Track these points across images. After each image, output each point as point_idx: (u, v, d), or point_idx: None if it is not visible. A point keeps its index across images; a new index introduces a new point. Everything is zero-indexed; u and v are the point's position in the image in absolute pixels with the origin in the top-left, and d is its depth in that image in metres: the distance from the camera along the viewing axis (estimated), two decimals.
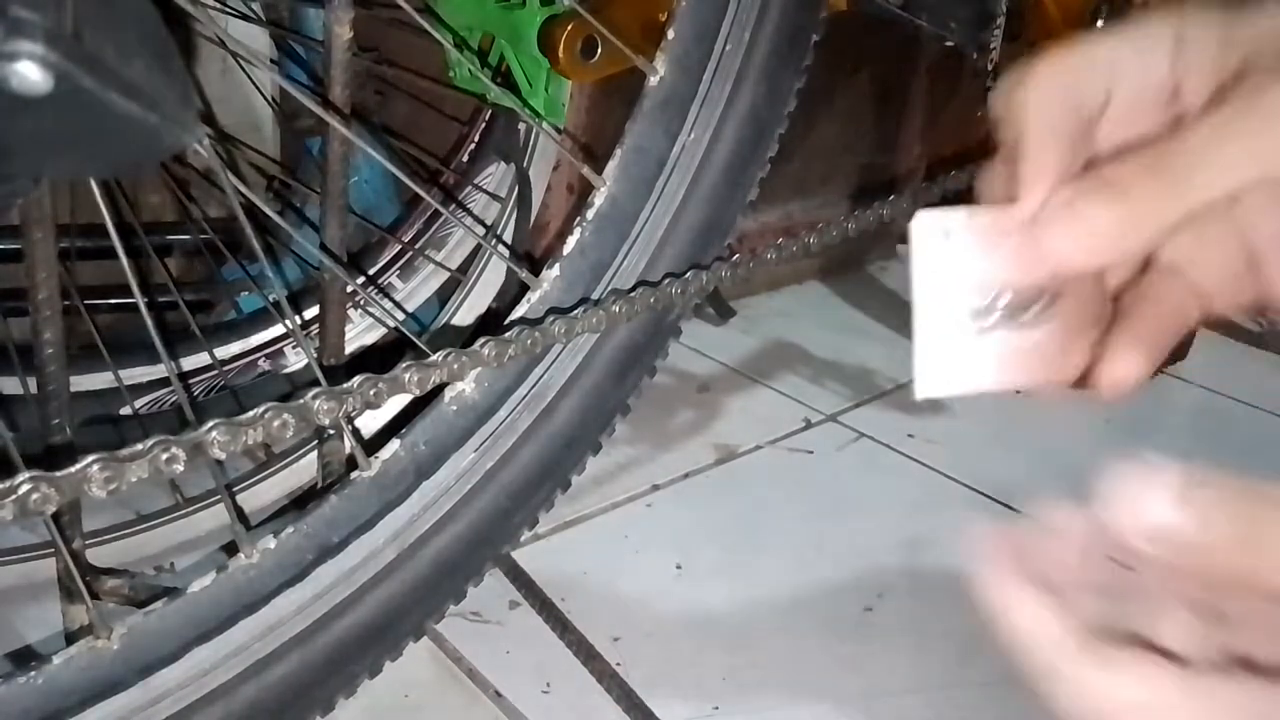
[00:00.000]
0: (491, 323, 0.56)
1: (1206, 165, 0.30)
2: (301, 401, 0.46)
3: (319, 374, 0.51)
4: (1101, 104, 0.34)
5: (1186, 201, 0.30)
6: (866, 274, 1.51)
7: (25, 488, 0.39)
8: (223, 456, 0.44)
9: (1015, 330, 0.30)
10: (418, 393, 0.50)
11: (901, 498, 0.96)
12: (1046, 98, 0.34)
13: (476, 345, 0.52)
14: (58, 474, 0.40)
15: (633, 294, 0.57)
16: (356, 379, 0.48)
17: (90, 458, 0.41)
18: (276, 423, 0.45)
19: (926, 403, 0.34)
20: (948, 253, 0.30)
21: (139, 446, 0.42)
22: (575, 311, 0.55)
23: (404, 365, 0.49)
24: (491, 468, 0.60)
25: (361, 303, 0.88)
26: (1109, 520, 0.25)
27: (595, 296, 0.61)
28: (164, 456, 0.42)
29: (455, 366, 0.51)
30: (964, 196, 0.39)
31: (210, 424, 0.43)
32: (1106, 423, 1.08)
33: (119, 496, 0.41)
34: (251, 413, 0.45)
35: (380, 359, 0.80)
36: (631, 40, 0.62)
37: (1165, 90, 0.33)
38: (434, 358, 0.50)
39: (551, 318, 0.54)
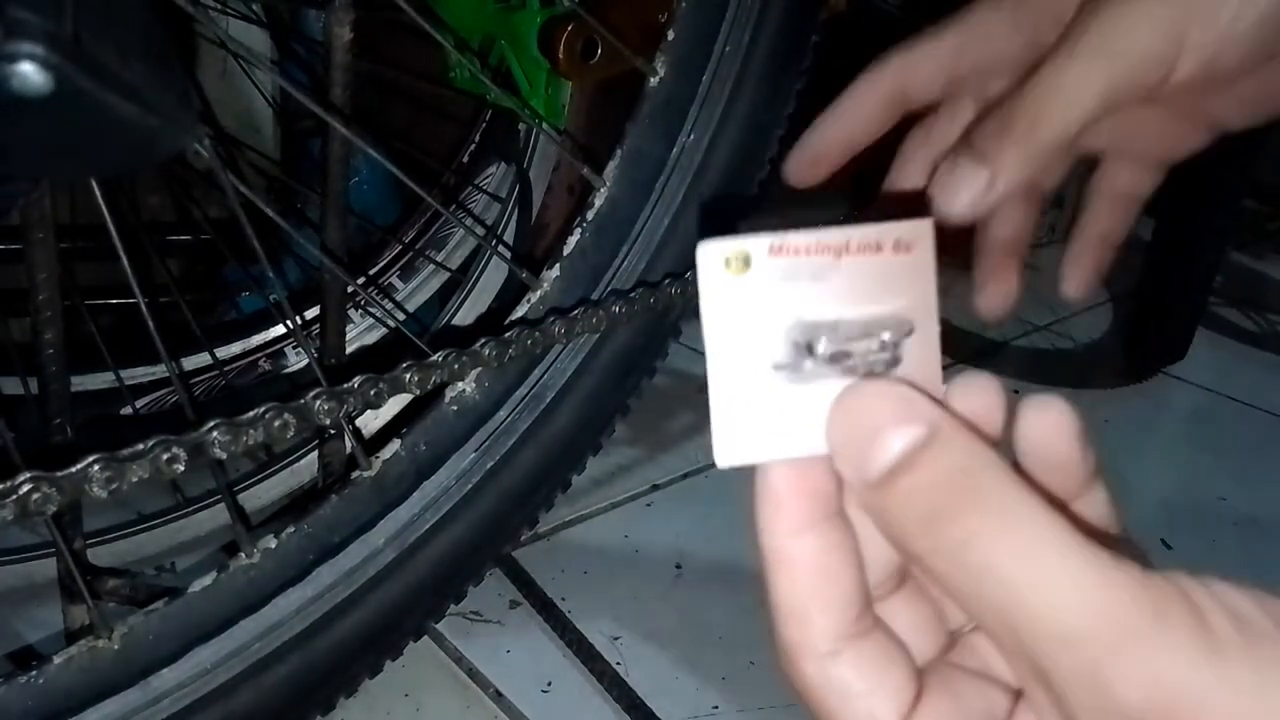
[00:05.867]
0: (492, 323, 0.56)
1: (1048, 113, 0.34)
2: (302, 402, 0.46)
3: (319, 374, 0.51)
4: (934, 91, 0.40)
5: (1040, 147, 0.34)
6: None
7: (26, 488, 0.39)
8: (223, 456, 0.44)
9: (843, 376, 0.25)
10: (418, 393, 0.50)
11: None
12: (867, 96, 0.41)
13: (476, 345, 0.52)
14: (58, 474, 0.40)
15: (632, 294, 0.57)
16: (357, 379, 0.48)
17: (91, 457, 0.41)
18: (277, 423, 0.45)
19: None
20: (747, 287, 0.24)
21: (140, 446, 0.42)
22: (575, 312, 0.55)
23: (404, 365, 0.49)
24: (492, 468, 0.60)
25: (362, 303, 0.88)
26: (837, 436, 0.24)
27: (595, 297, 0.61)
28: (165, 457, 0.42)
29: (455, 367, 0.51)
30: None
31: (211, 424, 0.43)
32: (1105, 422, 1.08)
33: (119, 496, 0.41)
34: (252, 413, 0.45)
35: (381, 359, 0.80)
36: (631, 42, 0.62)
37: (1018, 51, 0.38)
38: (434, 358, 0.50)
39: (551, 318, 0.54)
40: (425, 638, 0.69)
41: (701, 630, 0.77)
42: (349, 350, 0.72)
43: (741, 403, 0.25)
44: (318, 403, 0.47)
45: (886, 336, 0.25)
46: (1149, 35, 0.33)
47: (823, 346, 0.25)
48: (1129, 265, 1.48)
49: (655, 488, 0.94)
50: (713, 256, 0.24)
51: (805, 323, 0.24)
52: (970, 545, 0.22)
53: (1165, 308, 1.22)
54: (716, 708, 0.70)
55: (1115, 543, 0.23)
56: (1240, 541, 0.91)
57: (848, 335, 0.25)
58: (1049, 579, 0.21)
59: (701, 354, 0.24)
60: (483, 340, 0.52)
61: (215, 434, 0.44)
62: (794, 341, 0.25)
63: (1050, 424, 0.25)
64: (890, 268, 0.25)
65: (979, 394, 0.25)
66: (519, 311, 0.60)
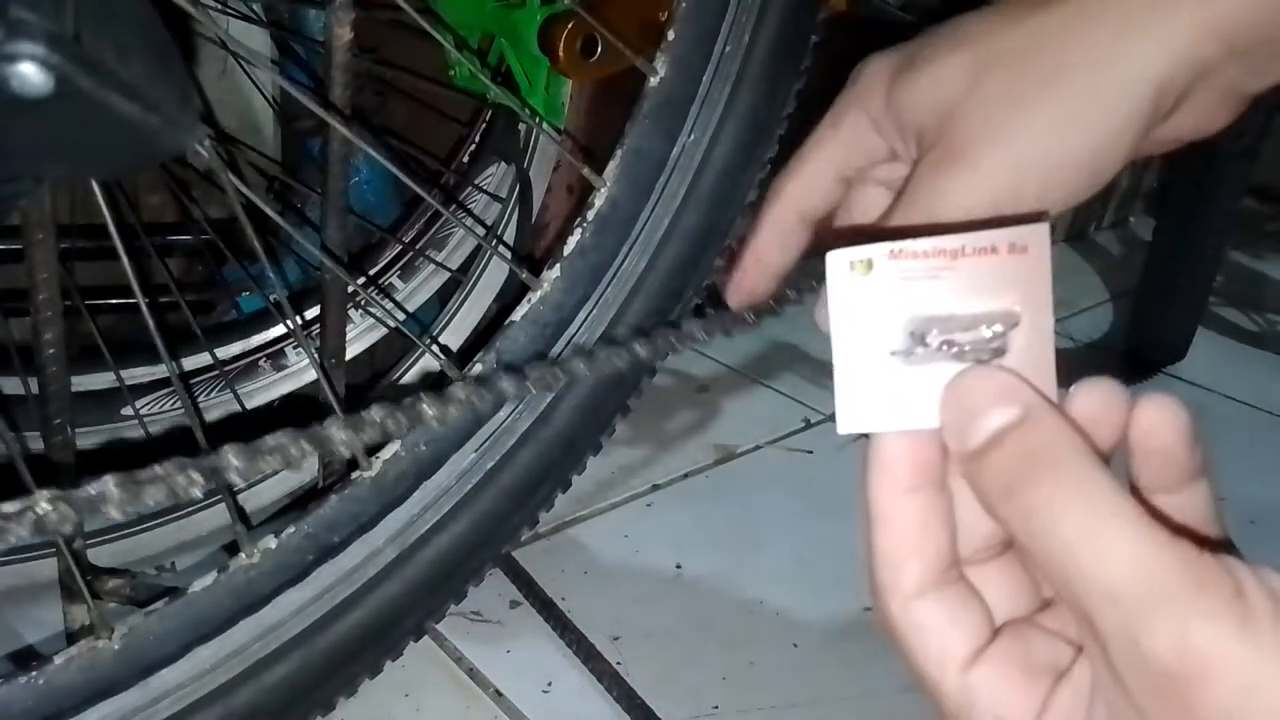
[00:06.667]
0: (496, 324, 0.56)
1: None
2: (320, 429, 0.46)
3: (335, 405, 0.51)
4: (835, 196, 0.43)
5: None
6: None
7: (44, 507, 0.40)
8: (241, 483, 0.44)
9: (953, 361, 0.28)
10: (438, 426, 0.49)
11: None
12: (780, 215, 0.45)
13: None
14: (76, 493, 0.40)
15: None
16: (376, 410, 0.47)
17: (109, 477, 0.41)
18: (294, 450, 0.45)
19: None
20: (869, 286, 0.28)
21: (157, 469, 0.42)
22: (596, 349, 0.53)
23: (424, 397, 0.49)
24: (492, 468, 0.61)
25: (362, 303, 0.88)
26: (947, 413, 0.28)
27: (595, 297, 0.61)
28: (181, 480, 0.42)
29: (476, 399, 0.50)
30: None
31: (228, 449, 0.44)
32: None
33: (133, 516, 0.42)
34: (270, 439, 0.45)
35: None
36: (631, 40, 0.62)
37: (888, 152, 0.41)
38: (457, 389, 0.49)
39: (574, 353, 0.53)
40: (425, 638, 0.69)
41: (702, 630, 0.77)
42: (350, 351, 0.72)
43: (860, 381, 0.28)
44: (334, 431, 0.46)
45: (995, 329, 0.28)
46: (967, 215, 0.37)
47: (933, 337, 0.28)
48: (1129, 265, 1.48)
49: (655, 488, 0.94)
50: (839, 261, 0.28)
51: (919, 317, 0.28)
52: (1036, 512, 0.25)
53: (1165, 307, 1.22)
54: (716, 707, 0.70)
55: (1199, 537, 0.26)
56: (1241, 541, 0.91)
57: (958, 327, 0.28)
58: (1102, 544, 0.24)
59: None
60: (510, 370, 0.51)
61: (232, 458, 0.44)
62: (909, 332, 0.28)
63: (1160, 419, 0.28)
64: (1005, 267, 0.28)
65: (1101, 396, 0.28)
66: (520, 311, 0.60)
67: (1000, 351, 0.28)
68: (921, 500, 0.29)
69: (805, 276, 0.51)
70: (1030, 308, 0.28)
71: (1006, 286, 0.28)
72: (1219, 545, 0.25)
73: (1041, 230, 0.27)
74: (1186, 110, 0.37)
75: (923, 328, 0.28)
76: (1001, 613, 0.30)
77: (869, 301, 0.28)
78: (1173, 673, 0.22)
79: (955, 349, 0.28)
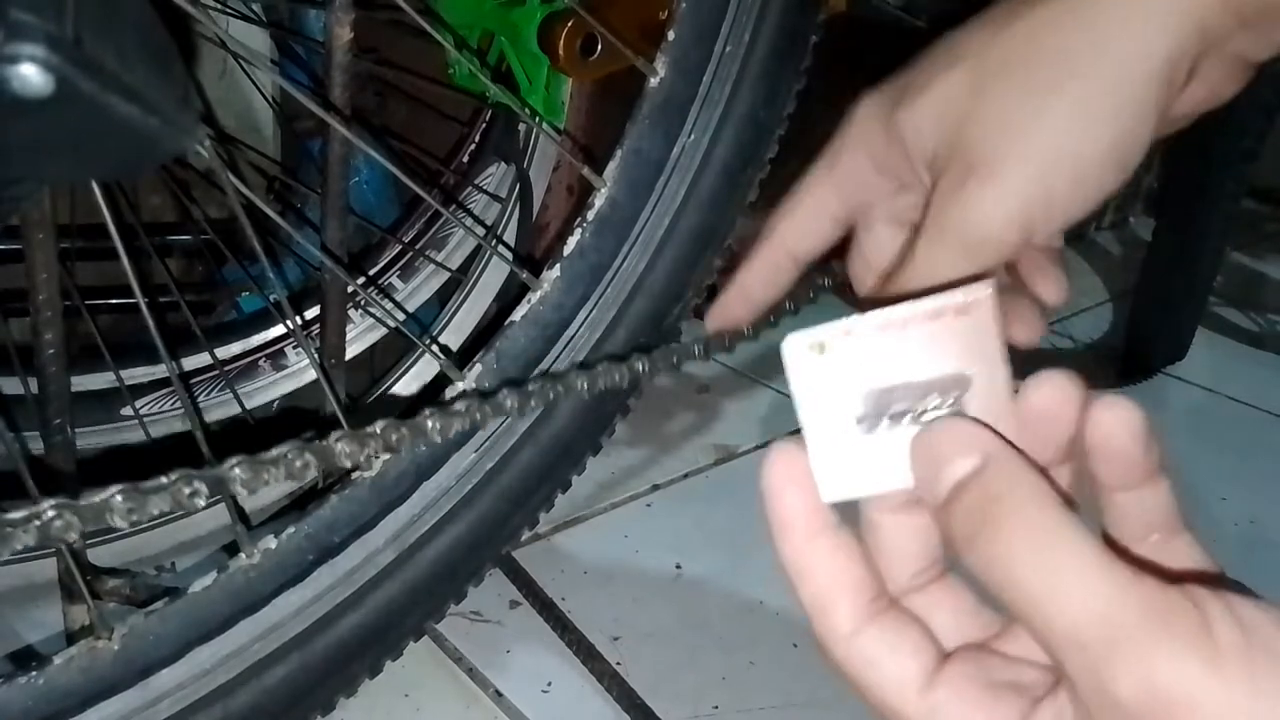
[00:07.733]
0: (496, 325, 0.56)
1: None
2: (324, 444, 0.46)
3: (327, 389, 0.51)
4: (828, 238, 0.43)
5: None
6: None
7: (49, 514, 0.40)
8: (245, 494, 0.44)
9: (913, 427, 0.29)
10: (439, 441, 0.49)
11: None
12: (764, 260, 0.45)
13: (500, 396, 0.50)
14: (81, 503, 0.40)
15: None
16: (379, 423, 0.47)
17: (114, 488, 0.41)
18: (299, 462, 0.45)
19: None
20: (826, 367, 0.29)
21: (162, 479, 0.42)
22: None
23: (428, 412, 0.48)
24: (492, 468, 0.61)
25: (362, 303, 0.88)
26: (917, 453, 0.28)
27: (595, 297, 0.61)
28: (186, 490, 0.42)
29: (478, 416, 0.50)
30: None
31: (233, 461, 0.43)
32: None
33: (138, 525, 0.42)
34: (274, 451, 0.45)
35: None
36: (630, 39, 0.62)
37: (891, 188, 0.41)
38: (458, 407, 0.49)
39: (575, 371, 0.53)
40: (425, 638, 0.69)
41: (701, 630, 0.77)
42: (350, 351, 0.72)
43: (831, 454, 0.30)
44: (340, 445, 0.46)
45: (951, 394, 0.29)
46: (1003, 227, 0.36)
47: (892, 408, 0.29)
48: (1129, 265, 1.48)
49: (655, 488, 0.94)
50: (796, 346, 0.29)
51: (876, 390, 0.29)
52: (997, 561, 0.25)
53: (1165, 308, 1.22)
54: (716, 707, 0.70)
55: (1168, 572, 0.27)
56: (1240, 541, 0.92)
57: (913, 395, 0.29)
58: (1062, 590, 0.24)
59: None
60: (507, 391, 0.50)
61: (237, 470, 0.44)
62: (869, 405, 0.29)
63: (1115, 422, 0.28)
64: (953, 330, 0.28)
65: (1053, 391, 0.28)
66: (519, 312, 0.60)
67: (957, 414, 0.29)
68: (826, 542, 0.30)
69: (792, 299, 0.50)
70: (982, 366, 0.28)
71: (956, 350, 0.28)
72: (1187, 577, 0.25)
73: (983, 289, 0.28)
74: (1198, 82, 0.36)
75: (881, 399, 0.29)
76: (952, 636, 0.30)
77: (828, 380, 0.29)
78: (1141, 715, 0.22)
79: (912, 416, 0.29)
